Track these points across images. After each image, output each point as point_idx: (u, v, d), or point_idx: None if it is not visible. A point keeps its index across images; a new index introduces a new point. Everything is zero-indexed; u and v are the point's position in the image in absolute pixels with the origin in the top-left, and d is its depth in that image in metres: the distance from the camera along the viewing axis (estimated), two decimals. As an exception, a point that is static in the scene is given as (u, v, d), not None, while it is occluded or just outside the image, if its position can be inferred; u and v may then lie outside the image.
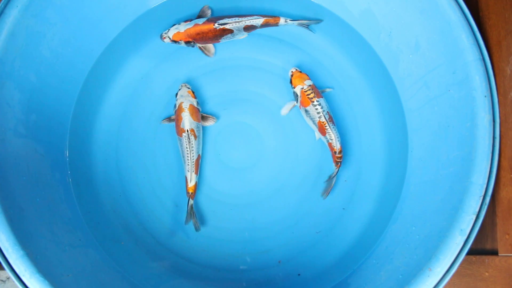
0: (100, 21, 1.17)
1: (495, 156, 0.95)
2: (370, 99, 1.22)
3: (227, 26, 1.16)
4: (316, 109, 1.14)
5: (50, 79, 1.12)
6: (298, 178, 1.20)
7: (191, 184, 1.14)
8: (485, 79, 0.98)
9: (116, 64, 1.23)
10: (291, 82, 1.19)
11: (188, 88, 1.19)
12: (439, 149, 1.05)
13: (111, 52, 1.22)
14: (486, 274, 1.03)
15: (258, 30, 1.22)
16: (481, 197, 0.92)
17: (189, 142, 1.13)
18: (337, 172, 1.15)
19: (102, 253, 1.11)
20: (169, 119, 1.20)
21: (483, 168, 0.94)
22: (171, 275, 1.13)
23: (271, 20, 1.18)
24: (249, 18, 1.17)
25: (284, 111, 1.21)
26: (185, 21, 1.20)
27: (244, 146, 1.21)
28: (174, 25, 1.20)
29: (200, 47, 1.22)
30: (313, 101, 1.14)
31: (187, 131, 1.14)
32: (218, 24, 1.16)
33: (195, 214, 1.14)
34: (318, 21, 1.22)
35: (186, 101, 1.16)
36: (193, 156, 1.14)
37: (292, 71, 1.19)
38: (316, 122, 1.15)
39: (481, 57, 0.99)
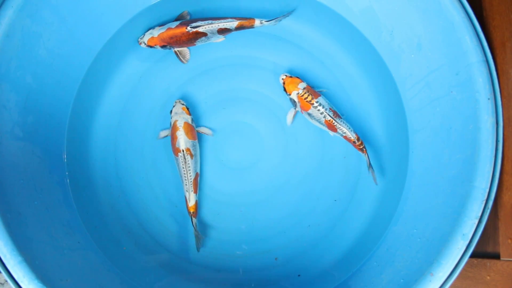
0: (97, 20, 1.16)
1: (498, 159, 0.94)
2: (371, 99, 1.21)
3: (200, 29, 1.15)
4: (318, 110, 1.12)
5: (47, 80, 1.10)
6: (298, 177, 1.20)
7: (191, 203, 1.12)
8: (488, 81, 0.97)
9: (114, 64, 1.22)
10: (284, 90, 1.16)
11: (183, 104, 1.17)
12: (441, 151, 1.04)
13: (109, 51, 1.20)
14: (488, 277, 1.03)
15: (257, 28, 1.21)
16: (484, 202, 0.92)
17: (185, 162, 1.12)
18: (368, 158, 1.14)
19: (101, 255, 1.10)
20: (167, 133, 1.18)
21: (486, 172, 0.93)
22: (171, 276, 1.13)
23: (245, 22, 1.16)
24: (222, 21, 1.15)
25: (289, 120, 1.19)
26: (160, 25, 1.18)
27: (244, 146, 1.21)
28: (149, 29, 1.19)
29: (175, 52, 1.21)
30: (313, 103, 1.13)
31: (183, 150, 1.12)
32: (190, 28, 1.14)
33: (198, 233, 1.13)
34: (290, 12, 1.20)
35: (180, 118, 1.14)
36: (190, 176, 1.12)
37: (282, 78, 1.17)
38: (323, 122, 1.13)
39: (485, 59, 0.98)
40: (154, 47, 1.19)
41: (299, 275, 1.14)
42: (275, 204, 1.19)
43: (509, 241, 0.99)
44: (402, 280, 0.96)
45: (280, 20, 1.18)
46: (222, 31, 1.17)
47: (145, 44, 1.19)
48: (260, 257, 1.16)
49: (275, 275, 1.14)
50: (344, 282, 1.10)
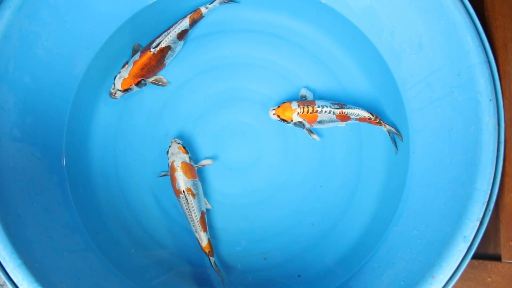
0: (95, 20, 1.15)
1: (500, 161, 0.94)
2: (372, 98, 1.21)
3: (162, 45, 1.14)
4: (325, 111, 1.11)
5: (46, 81, 1.10)
6: (298, 177, 1.19)
7: (204, 243, 1.10)
8: (490, 82, 0.96)
9: (112, 63, 1.21)
10: (284, 120, 1.13)
11: (179, 143, 1.14)
12: (442, 152, 1.04)
13: (107, 51, 1.20)
14: (489, 279, 1.03)
15: (257, 28, 1.21)
16: (485, 204, 0.91)
17: (188, 203, 1.09)
18: (388, 128, 1.14)
19: (100, 256, 1.10)
20: (163, 174, 1.17)
21: (488, 174, 0.92)
22: (171, 277, 1.13)
23: (194, 15, 1.17)
24: (175, 26, 1.16)
25: (316, 137, 1.17)
26: (122, 66, 1.17)
27: (244, 146, 1.21)
28: (115, 77, 1.16)
29: (152, 82, 1.19)
30: (317, 110, 1.11)
31: (184, 191, 1.10)
32: (153, 49, 1.14)
33: (218, 270, 1.11)
34: None
35: (177, 159, 1.11)
36: (196, 216, 1.09)
37: (273, 113, 1.13)
38: (335, 118, 1.12)
39: (487, 60, 0.97)
40: (130, 89, 1.16)
41: (299, 276, 1.14)
42: (275, 204, 1.18)
43: (510, 243, 0.99)
44: (402, 282, 0.96)
45: (225, 3, 1.19)
46: (181, 35, 1.16)
47: (120, 90, 1.16)
48: (260, 257, 1.16)
49: (275, 275, 1.14)
50: (345, 282, 1.10)
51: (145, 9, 1.20)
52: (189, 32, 1.19)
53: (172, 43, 1.15)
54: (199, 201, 1.11)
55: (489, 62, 0.97)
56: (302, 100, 1.14)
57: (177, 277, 1.13)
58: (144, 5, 1.20)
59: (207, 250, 1.10)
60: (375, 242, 1.11)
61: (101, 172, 1.18)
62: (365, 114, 1.12)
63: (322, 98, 1.20)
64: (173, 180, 1.11)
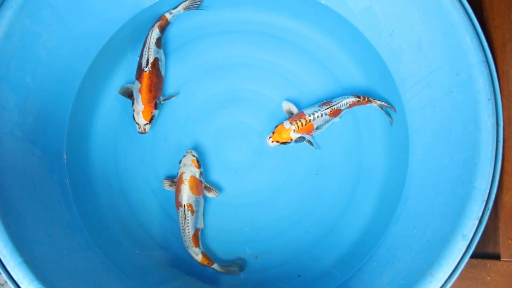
0: (96, 20, 1.16)
1: (499, 160, 0.94)
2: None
3: (151, 60, 1.13)
4: (318, 116, 1.11)
5: (47, 80, 1.10)
6: (298, 177, 1.19)
7: (199, 258, 1.09)
8: (489, 81, 0.97)
9: (113, 63, 1.22)
10: (284, 143, 1.12)
11: (194, 156, 1.12)
12: (441, 151, 1.04)
13: (108, 51, 1.20)
14: (488, 278, 1.03)
15: (257, 29, 1.22)
16: (484, 202, 0.92)
17: (185, 218, 1.08)
18: (380, 103, 1.15)
19: (101, 256, 1.10)
20: (170, 181, 1.15)
21: (486, 173, 0.93)
22: (171, 277, 1.13)
23: (162, 23, 1.17)
24: (149, 37, 1.15)
25: (315, 146, 1.17)
26: (132, 104, 1.15)
27: (244, 146, 1.21)
28: (133, 116, 1.14)
29: (164, 100, 1.19)
30: (310, 120, 1.11)
31: (184, 206, 1.08)
32: (146, 67, 1.13)
33: (226, 266, 1.11)
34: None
35: (187, 171, 1.10)
36: (189, 232, 1.08)
37: (271, 141, 1.12)
38: (329, 118, 1.13)
39: (485, 59, 0.98)
40: (153, 116, 1.14)
41: (299, 276, 1.13)
42: (275, 205, 1.18)
43: (510, 241, 0.99)
44: (402, 281, 0.96)
45: (189, 9, 1.19)
46: (158, 44, 1.16)
47: (146, 124, 1.13)
48: (261, 257, 1.15)
49: (275, 275, 1.14)
50: (345, 282, 1.10)
51: (146, 10, 1.21)
52: (162, 39, 1.18)
53: (157, 54, 1.15)
54: (196, 219, 1.10)
55: (487, 61, 0.98)
56: (290, 116, 1.14)
57: (177, 276, 1.13)
58: (145, 6, 1.20)
59: (204, 263, 1.09)
60: (374, 241, 1.11)
61: (102, 172, 1.18)
62: (352, 99, 1.13)
63: (320, 98, 1.21)
64: (177, 191, 1.10)
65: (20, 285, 0.88)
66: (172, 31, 1.24)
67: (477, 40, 0.98)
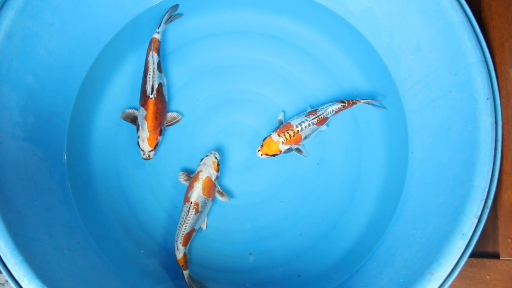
0: (97, 21, 1.16)
1: (497, 159, 0.94)
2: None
3: (155, 86, 1.13)
4: (305, 127, 1.11)
5: (48, 81, 1.11)
6: (298, 178, 1.20)
7: (179, 256, 1.09)
8: (487, 81, 0.97)
9: (114, 64, 1.22)
10: (273, 155, 1.12)
11: (216, 158, 1.13)
12: (441, 151, 1.05)
13: (109, 52, 1.21)
14: (488, 277, 1.03)
15: (257, 30, 1.22)
16: (483, 201, 0.92)
17: (187, 214, 1.08)
18: (364, 101, 1.16)
19: (101, 255, 1.10)
20: (187, 175, 1.15)
21: (485, 172, 0.93)
22: (172, 277, 1.13)
23: (155, 45, 1.16)
24: (150, 63, 1.14)
25: (305, 155, 1.17)
26: (137, 131, 1.15)
27: (244, 147, 1.21)
28: (137, 143, 1.14)
29: (168, 125, 1.19)
30: (298, 131, 1.11)
31: (191, 203, 1.09)
32: (151, 95, 1.12)
33: (196, 281, 1.09)
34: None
35: (205, 171, 1.10)
36: (184, 229, 1.08)
37: (260, 154, 1.12)
38: (316, 127, 1.13)
39: (484, 59, 0.98)
40: (158, 142, 1.14)
41: (299, 276, 1.13)
42: (275, 205, 1.18)
43: (509, 240, 0.99)
44: (402, 280, 0.96)
45: (171, 21, 1.20)
46: (159, 67, 1.16)
47: (150, 149, 1.13)
48: (261, 257, 1.15)
49: (275, 275, 1.14)
50: (345, 282, 1.10)
51: (146, 11, 1.21)
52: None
53: (160, 79, 1.15)
54: (197, 219, 1.10)
55: (486, 61, 0.98)
56: (279, 127, 1.14)
57: (177, 277, 1.13)
58: (146, 7, 1.21)
59: (181, 264, 1.09)
60: (374, 241, 1.12)
61: (102, 172, 1.18)
62: (338, 105, 1.14)
63: (319, 99, 1.21)
64: (190, 186, 1.11)
65: (21, 283, 0.88)
66: (172, 32, 1.24)
67: (476, 40, 0.99)
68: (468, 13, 1.00)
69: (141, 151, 1.14)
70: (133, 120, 1.18)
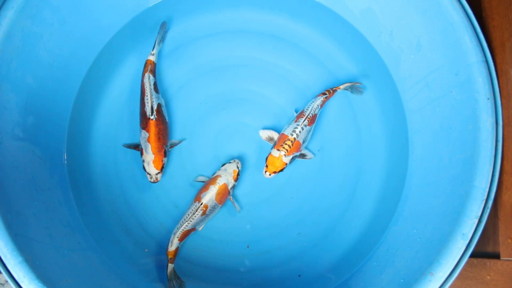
0: (97, 21, 1.16)
1: (498, 159, 0.94)
2: (371, 99, 1.21)
3: (154, 107, 1.12)
4: (300, 132, 1.11)
5: (48, 81, 1.11)
6: (298, 178, 1.20)
7: (171, 248, 1.09)
8: (488, 81, 0.97)
9: (114, 64, 1.22)
10: (281, 170, 1.11)
11: (237, 167, 1.13)
12: (441, 151, 1.05)
13: (109, 52, 1.21)
14: (488, 277, 1.03)
15: (256, 29, 1.22)
16: (484, 201, 0.92)
17: (193, 214, 1.09)
18: (344, 86, 1.16)
19: (101, 255, 1.10)
20: (205, 177, 1.16)
21: (486, 172, 0.93)
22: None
23: (151, 67, 1.15)
24: (147, 85, 1.14)
25: (310, 156, 1.17)
26: (141, 154, 1.14)
27: (244, 147, 1.21)
28: (143, 167, 1.12)
29: (172, 146, 1.18)
30: (295, 138, 1.10)
31: (201, 204, 1.09)
32: (152, 116, 1.11)
33: (177, 277, 1.09)
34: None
35: (224, 177, 1.11)
36: (186, 226, 1.09)
37: (268, 174, 1.11)
38: (309, 127, 1.13)
39: (484, 59, 0.98)
40: (164, 164, 1.13)
41: (299, 275, 1.13)
42: (275, 205, 1.18)
43: (509, 240, 0.99)
44: (402, 280, 0.96)
45: (163, 38, 1.20)
46: (156, 88, 1.15)
47: (157, 172, 1.12)
48: (261, 257, 1.15)
49: (275, 275, 1.14)
50: (345, 282, 1.10)
51: (146, 11, 1.22)
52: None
53: (158, 99, 1.14)
54: (201, 220, 1.10)
55: (486, 61, 0.98)
56: (273, 143, 1.14)
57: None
58: (145, 7, 1.21)
59: (169, 256, 1.09)
60: (374, 241, 1.12)
61: (102, 172, 1.18)
62: (320, 98, 1.13)
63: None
64: (205, 187, 1.11)
65: (21, 284, 0.88)
66: (171, 32, 1.24)
67: (476, 39, 0.99)
68: (468, 12, 1.00)
69: (148, 175, 1.12)
70: (136, 146, 1.17)
